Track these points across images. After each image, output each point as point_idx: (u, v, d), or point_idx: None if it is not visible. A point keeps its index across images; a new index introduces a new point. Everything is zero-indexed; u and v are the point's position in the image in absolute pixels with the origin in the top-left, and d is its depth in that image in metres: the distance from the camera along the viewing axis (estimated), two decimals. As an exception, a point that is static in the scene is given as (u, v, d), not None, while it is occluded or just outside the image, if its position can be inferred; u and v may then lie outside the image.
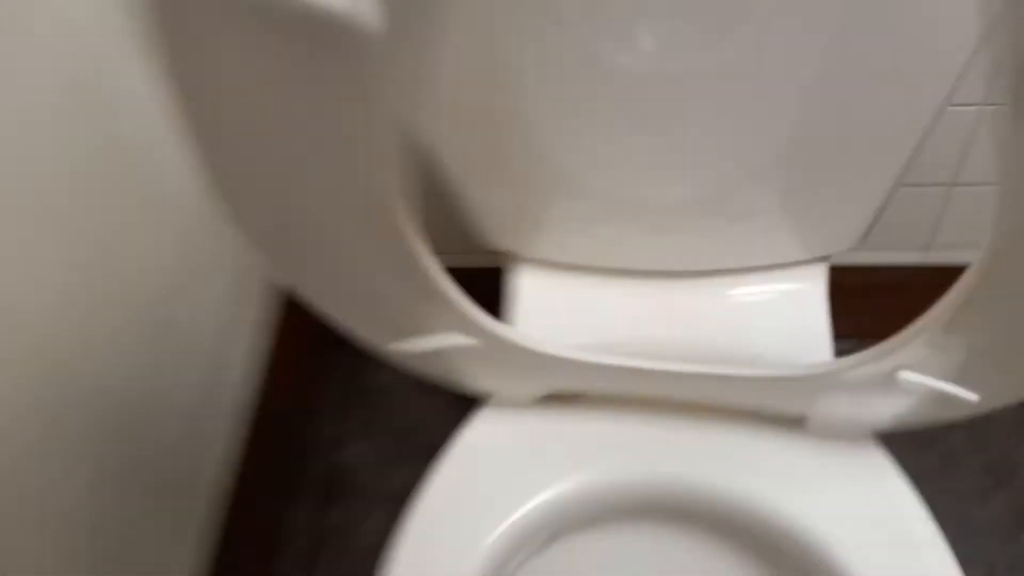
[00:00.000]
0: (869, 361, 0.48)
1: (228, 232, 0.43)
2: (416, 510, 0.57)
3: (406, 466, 1.00)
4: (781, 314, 0.62)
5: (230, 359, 0.87)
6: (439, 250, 0.48)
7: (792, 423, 0.57)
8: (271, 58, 0.30)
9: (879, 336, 0.47)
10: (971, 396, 0.48)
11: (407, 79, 0.41)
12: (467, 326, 0.50)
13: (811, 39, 0.46)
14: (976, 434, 0.97)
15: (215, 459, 0.84)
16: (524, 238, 0.63)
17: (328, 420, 1.06)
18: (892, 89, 0.50)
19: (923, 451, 0.91)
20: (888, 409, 0.53)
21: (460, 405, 1.02)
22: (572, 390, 0.59)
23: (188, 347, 0.79)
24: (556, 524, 0.58)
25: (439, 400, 1.05)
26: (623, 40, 0.46)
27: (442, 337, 0.51)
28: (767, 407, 0.57)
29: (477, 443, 0.60)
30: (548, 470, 0.57)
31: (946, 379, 0.47)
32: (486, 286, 0.67)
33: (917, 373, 0.47)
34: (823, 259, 0.63)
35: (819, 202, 0.58)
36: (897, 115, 0.51)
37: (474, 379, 0.60)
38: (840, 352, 0.58)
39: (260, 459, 0.89)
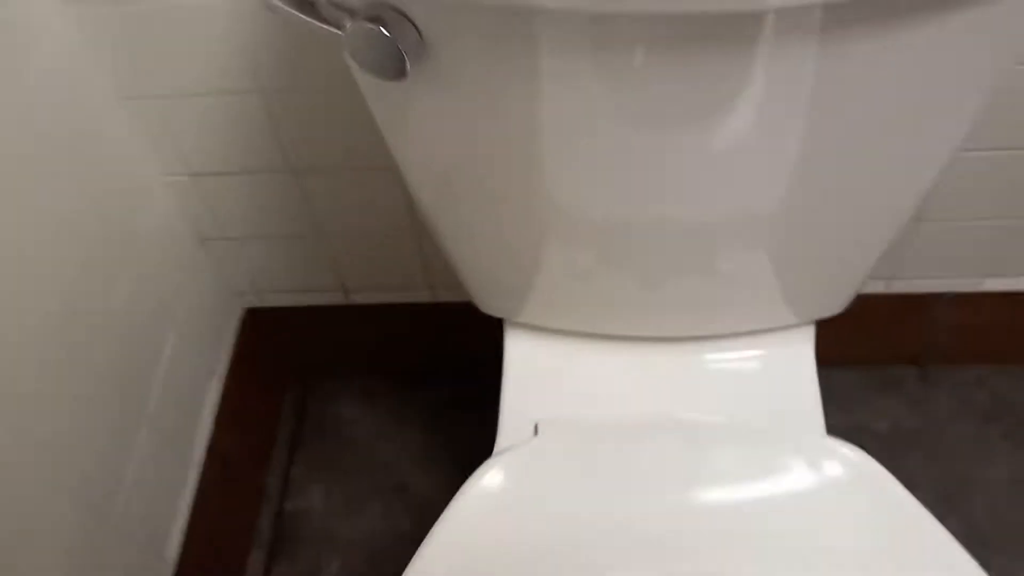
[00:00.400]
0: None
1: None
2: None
3: (364, 513, 0.97)
4: (769, 380, 0.61)
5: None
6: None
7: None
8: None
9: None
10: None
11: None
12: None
13: (807, 117, 0.44)
14: (930, 456, 0.99)
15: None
16: (512, 304, 0.61)
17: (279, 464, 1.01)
18: (891, 166, 0.48)
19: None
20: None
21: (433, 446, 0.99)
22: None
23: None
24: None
25: (406, 439, 1.02)
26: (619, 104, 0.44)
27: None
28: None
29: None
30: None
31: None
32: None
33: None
34: (811, 322, 0.62)
35: (812, 268, 0.57)
36: (894, 188, 0.50)
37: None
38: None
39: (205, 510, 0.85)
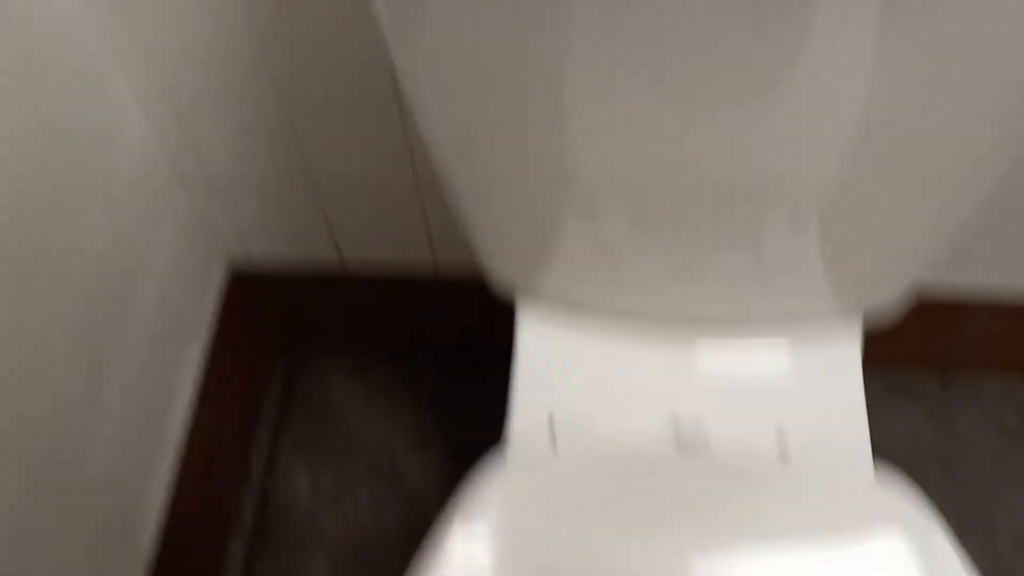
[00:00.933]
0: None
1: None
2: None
3: (353, 501, 0.90)
4: (811, 378, 0.55)
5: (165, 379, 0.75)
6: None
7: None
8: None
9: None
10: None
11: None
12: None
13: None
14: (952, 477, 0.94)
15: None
16: (528, 274, 0.54)
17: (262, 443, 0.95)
18: (974, 135, 0.43)
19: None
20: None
21: (422, 430, 0.92)
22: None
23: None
24: None
25: (399, 421, 0.95)
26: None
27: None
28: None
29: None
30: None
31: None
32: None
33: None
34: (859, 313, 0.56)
35: (868, 252, 0.51)
36: (970, 164, 0.44)
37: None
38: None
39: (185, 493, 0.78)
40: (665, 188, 0.47)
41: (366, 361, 0.99)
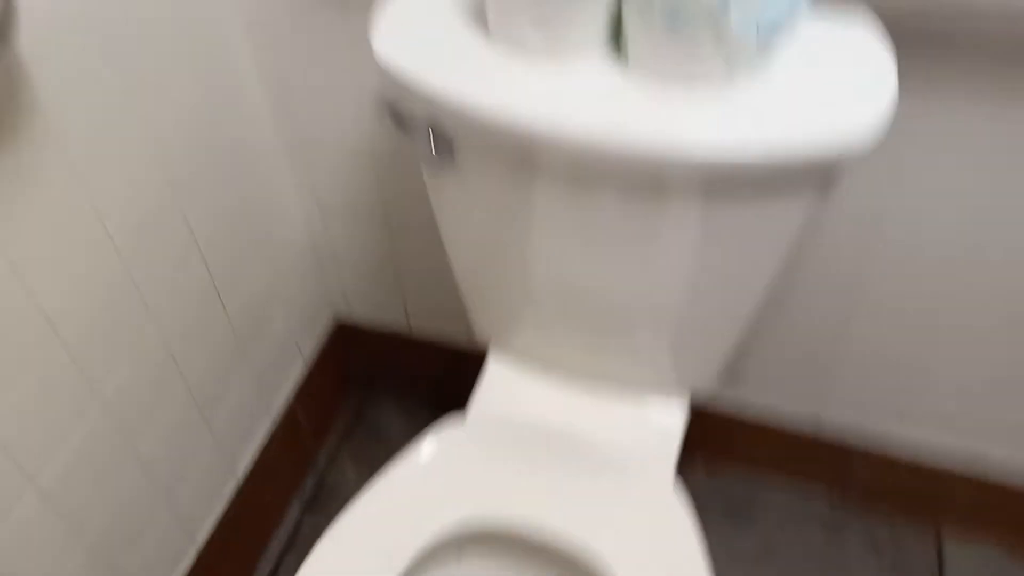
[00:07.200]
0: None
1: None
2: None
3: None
4: (638, 432, 0.90)
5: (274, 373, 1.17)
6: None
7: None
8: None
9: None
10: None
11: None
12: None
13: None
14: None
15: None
16: (497, 334, 0.94)
17: (331, 445, 1.34)
18: (733, 273, 0.77)
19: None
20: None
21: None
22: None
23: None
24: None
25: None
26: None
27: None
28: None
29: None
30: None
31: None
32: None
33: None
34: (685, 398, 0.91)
35: (683, 343, 0.86)
36: (736, 290, 0.79)
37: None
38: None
39: (265, 462, 1.16)
40: (579, 297, 0.84)
41: (414, 405, 1.37)
